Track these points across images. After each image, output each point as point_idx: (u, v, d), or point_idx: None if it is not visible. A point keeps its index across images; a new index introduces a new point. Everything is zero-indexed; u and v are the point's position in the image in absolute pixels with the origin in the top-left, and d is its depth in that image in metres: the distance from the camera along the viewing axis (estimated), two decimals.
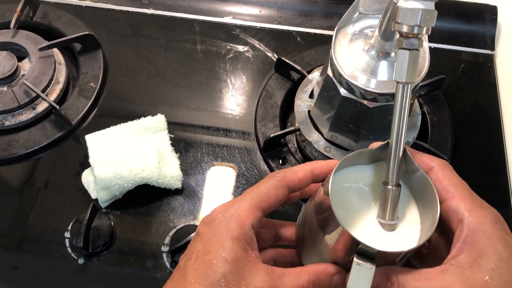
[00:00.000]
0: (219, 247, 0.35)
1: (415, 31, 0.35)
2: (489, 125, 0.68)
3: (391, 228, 0.36)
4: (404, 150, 0.36)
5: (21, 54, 0.69)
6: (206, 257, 0.35)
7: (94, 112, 0.67)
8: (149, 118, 0.63)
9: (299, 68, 0.66)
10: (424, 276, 0.33)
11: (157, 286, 0.55)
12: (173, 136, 0.64)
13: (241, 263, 0.35)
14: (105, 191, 0.57)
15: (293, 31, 0.76)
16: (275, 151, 0.63)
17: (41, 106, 0.66)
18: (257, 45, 0.74)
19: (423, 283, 0.33)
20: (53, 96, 0.67)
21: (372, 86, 0.48)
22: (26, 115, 0.65)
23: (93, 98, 0.67)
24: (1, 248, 0.57)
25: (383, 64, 0.48)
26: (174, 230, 0.58)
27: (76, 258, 0.56)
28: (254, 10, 0.78)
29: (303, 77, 0.66)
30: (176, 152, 0.63)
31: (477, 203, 0.34)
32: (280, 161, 0.63)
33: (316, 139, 0.59)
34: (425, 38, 0.49)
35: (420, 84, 0.53)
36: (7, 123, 0.64)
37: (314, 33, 0.76)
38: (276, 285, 0.35)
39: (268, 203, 0.38)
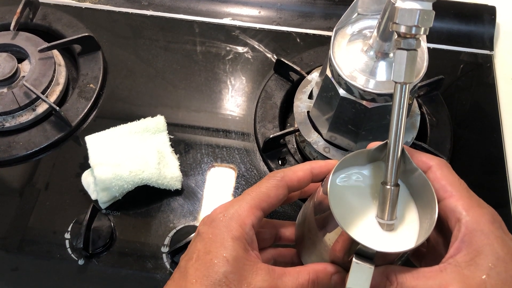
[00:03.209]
0: (220, 247, 0.35)
1: (413, 32, 0.35)
2: (488, 125, 0.69)
3: (390, 228, 0.36)
4: (403, 150, 0.37)
5: (21, 56, 0.69)
6: (207, 257, 0.35)
7: (94, 113, 0.67)
8: (148, 119, 0.63)
9: (298, 69, 0.67)
10: (423, 275, 0.33)
11: (157, 287, 0.55)
12: (172, 137, 0.64)
13: (242, 262, 0.35)
14: (105, 192, 0.57)
15: (293, 32, 0.76)
16: (275, 151, 0.64)
17: (41, 108, 0.66)
18: (256, 46, 0.74)
19: (422, 282, 0.33)
20: (53, 97, 0.67)
21: (370, 87, 0.48)
22: (26, 117, 0.65)
23: (93, 99, 0.67)
24: (2, 250, 0.57)
25: (382, 65, 0.48)
26: (174, 231, 0.58)
27: (76, 259, 0.56)
28: (254, 11, 0.78)
29: (302, 77, 0.66)
30: (176, 153, 0.63)
31: (475, 202, 0.34)
32: (280, 161, 0.63)
33: (315, 139, 0.60)
34: (423, 38, 0.49)
35: (419, 84, 0.53)
36: (7, 125, 0.64)
37: (313, 34, 0.76)
38: (277, 285, 0.35)
39: (268, 203, 0.38)
